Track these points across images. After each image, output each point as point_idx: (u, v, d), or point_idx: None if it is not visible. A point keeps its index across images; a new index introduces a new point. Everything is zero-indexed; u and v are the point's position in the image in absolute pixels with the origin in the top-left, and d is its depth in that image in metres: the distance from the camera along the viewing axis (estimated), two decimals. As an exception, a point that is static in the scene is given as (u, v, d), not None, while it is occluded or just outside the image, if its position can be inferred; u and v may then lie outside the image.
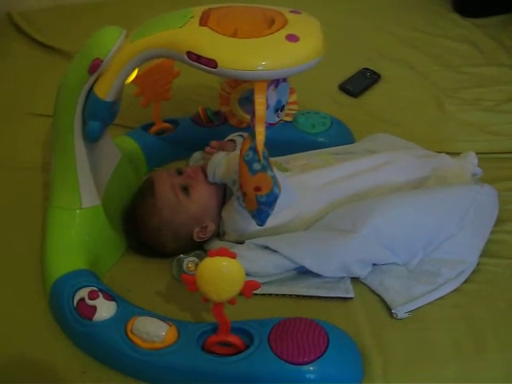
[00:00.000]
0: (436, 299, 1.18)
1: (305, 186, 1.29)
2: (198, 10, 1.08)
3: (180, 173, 1.30)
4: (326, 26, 1.10)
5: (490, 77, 1.80)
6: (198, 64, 1.02)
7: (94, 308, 1.09)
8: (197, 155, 1.49)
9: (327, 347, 1.02)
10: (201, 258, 1.23)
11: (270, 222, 1.18)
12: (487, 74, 1.81)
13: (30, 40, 1.94)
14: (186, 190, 1.27)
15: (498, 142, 1.56)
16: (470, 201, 1.26)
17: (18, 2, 2.06)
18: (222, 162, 1.25)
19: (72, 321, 1.11)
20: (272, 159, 1.10)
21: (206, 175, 1.28)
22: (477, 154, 1.40)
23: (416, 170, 1.34)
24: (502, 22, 2.03)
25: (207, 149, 1.38)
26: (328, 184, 1.30)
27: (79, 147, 1.19)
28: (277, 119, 1.14)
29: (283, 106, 1.14)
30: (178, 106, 1.60)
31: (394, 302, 1.17)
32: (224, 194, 1.31)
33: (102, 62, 1.08)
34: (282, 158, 1.41)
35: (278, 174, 1.10)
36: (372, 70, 1.80)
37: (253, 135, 1.05)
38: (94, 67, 1.09)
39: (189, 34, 1.04)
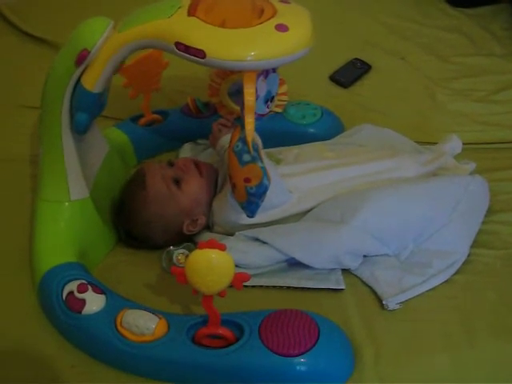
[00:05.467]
0: (427, 290, 1.17)
1: (302, 187, 1.27)
2: (186, 0, 1.07)
3: (171, 165, 1.29)
4: (315, 17, 1.09)
5: (481, 67, 1.79)
6: (186, 54, 1.01)
7: (84, 301, 1.09)
8: (187, 146, 1.49)
9: (318, 339, 1.02)
10: (191, 250, 1.22)
11: (262, 217, 1.19)
12: (478, 64, 1.81)
13: (17, 31, 1.92)
14: (177, 182, 1.26)
15: (489, 132, 1.56)
16: (462, 191, 1.25)
17: (5, -8, 2.05)
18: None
19: (61, 314, 1.10)
20: (264, 150, 1.09)
21: (197, 167, 1.28)
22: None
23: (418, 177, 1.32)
24: (492, 12, 2.03)
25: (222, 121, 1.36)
26: (327, 185, 1.28)
27: (67, 139, 1.18)
28: (267, 110, 1.14)
29: (273, 97, 1.13)
30: (167, 98, 1.60)
31: (385, 294, 1.16)
32: (215, 186, 1.30)
33: (89, 52, 1.07)
34: (274, 149, 1.39)
35: (273, 173, 1.09)
36: (362, 61, 1.79)
37: (242, 126, 1.04)
38: (81, 58, 1.08)
39: (177, 24, 1.03)
